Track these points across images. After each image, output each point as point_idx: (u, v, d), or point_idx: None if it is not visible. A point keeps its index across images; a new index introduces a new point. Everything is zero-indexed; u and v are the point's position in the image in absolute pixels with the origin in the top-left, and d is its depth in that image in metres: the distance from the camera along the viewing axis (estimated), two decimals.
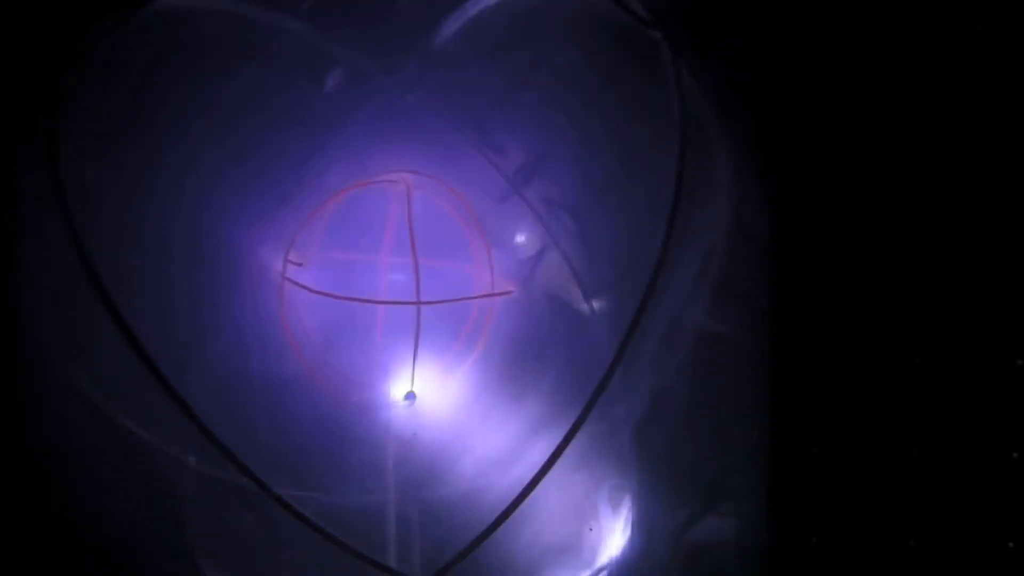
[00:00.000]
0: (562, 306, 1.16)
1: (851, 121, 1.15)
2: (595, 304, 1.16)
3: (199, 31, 1.10)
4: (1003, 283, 1.13)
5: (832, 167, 1.15)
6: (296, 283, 1.15)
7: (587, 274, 1.17)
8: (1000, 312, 1.13)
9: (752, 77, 1.13)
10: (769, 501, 1.11)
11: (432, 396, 1.16)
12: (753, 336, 1.11)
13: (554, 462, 1.03)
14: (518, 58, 1.17)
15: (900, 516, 1.11)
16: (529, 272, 1.18)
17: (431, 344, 1.15)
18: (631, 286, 1.09)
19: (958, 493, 1.11)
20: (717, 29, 1.13)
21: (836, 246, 1.14)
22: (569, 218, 1.17)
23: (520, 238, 1.19)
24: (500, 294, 1.17)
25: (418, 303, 1.12)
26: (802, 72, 1.15)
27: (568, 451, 1.06)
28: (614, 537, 1.10)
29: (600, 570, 1.09)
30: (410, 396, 1.16)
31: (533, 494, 1.05)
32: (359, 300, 1.13)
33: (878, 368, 1.13)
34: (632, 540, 1.09)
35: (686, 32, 1.11)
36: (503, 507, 1.05)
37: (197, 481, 1.07)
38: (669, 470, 1.10)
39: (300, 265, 1.15)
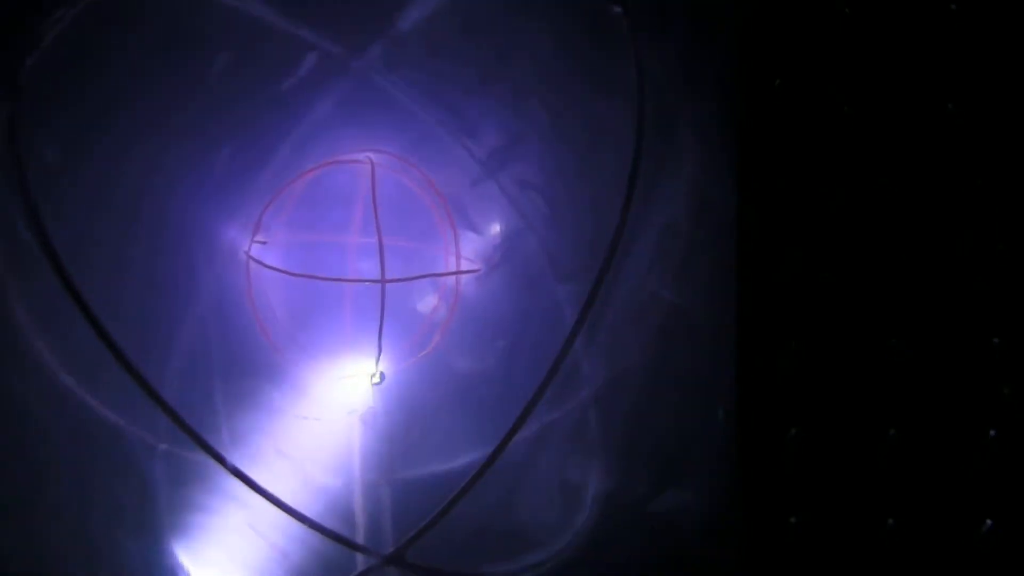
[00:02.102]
0: (531, 286, 1.16)
1: (817, 94, 1.14)
2: (566, 285, 1.15)
3: (162, 12, 1.10)
4: (979, 260, 1.12)
5: (796, 140, 1.14)
6: (261, 263, 1.15)
7: (558, 255, 1.16)
8: (977, 289, 1.12)
9: (714, 52, 1.13)
10: (738, 479, 1.11)
11: (399, 375, 1.16)
12: (717, 312, 1.11)
13: (509, 439, 1.03)
14: (490, 39, 1.16)
15: (878, 496, 1.11)
16: (499, 252, 1.18)
17: (398, 323, 1.15)
18: (599, 266, 1.09)
19: (936, 472, 1.10)
20: (678, 3, 1.13)
21: (806, 221, 1.14)
22: (541, 199, 1.17)
23: (491, 219, 1.19)
24: (466, 272, 1.17)
25: (382, 281, 1.12)
26: (766, 46, 1.14)
27: (532, 428, 1.06)
28: (578, 513, 1.10)
29: (564, 547, 1.09)
30: (379, 376, 1.16)
31: (499, 471, 1.06)
32: (322, 278, 1.13)
33: (854, 346, 1.12)
34: (596, 516, 1.10)
35: (646, 7, 1.10)
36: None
37: (167, 462, 1.08)
38: (632, 446, 1.10)
39: (264, 243, 1.15)
